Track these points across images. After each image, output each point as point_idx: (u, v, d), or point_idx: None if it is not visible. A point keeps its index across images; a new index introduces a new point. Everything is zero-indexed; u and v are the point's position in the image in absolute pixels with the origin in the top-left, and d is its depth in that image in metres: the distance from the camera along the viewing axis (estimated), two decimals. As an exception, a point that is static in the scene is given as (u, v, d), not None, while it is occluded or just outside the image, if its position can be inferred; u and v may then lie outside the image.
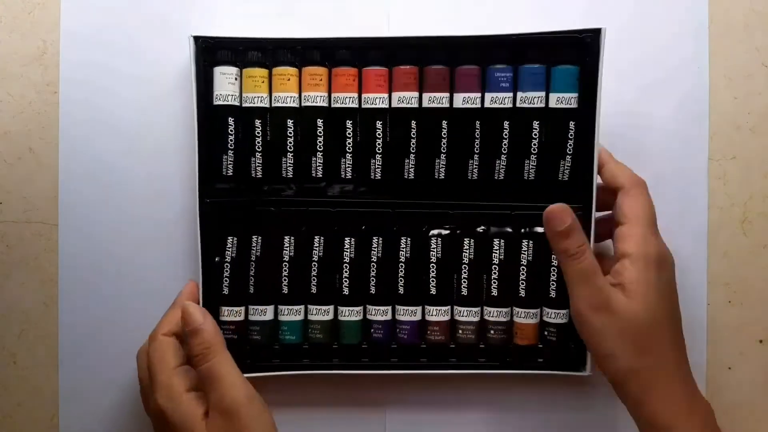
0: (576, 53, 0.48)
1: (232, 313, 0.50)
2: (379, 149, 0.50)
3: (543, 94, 0.49)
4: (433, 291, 0.51)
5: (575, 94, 0.49)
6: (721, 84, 0.56)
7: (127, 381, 0.53)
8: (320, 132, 0.50)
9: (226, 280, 0.50)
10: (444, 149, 0.50)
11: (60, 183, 0.54)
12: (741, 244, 0.56)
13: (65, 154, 0.54)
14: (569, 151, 0.49)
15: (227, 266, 0.50)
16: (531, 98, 0.49)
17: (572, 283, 0.43)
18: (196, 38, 0.49)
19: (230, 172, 0.50)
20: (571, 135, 0.49)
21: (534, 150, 0.50)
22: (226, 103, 0.50)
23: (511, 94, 0.49)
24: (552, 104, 0.49)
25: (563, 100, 0.49)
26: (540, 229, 0.49)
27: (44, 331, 0.54)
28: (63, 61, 0.54)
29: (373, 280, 0.51)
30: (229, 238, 0.50)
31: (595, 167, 0.48)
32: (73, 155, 0.54)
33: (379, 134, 0.50)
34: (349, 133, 0.50)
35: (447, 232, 0.51)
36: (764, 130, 0.56)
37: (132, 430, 0.54)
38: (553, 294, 0.50)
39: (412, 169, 0.50)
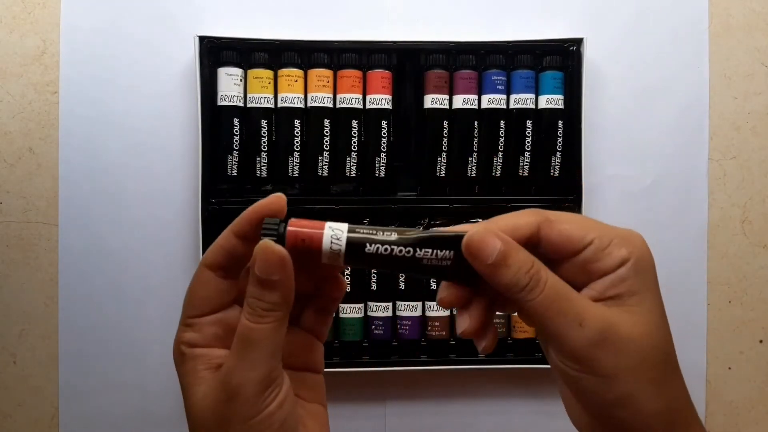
0: (561, 60, 0.55)
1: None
2: (384, 148, 0.53)
3: (533, 96, 0.54)
4: (434, 286, 0.53)
5: (561, 96, 0.54)
6: (721, 84, 0.58)
7: (127, 381, 0.55)
8: (327, 132, 0.53)
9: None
10: (445, 147, 0.54)
11: (60, 183, 0.55)
12: (741, 244, 0.58)
13: (65, 154, 0.55)
14: (559, 148, 0.54)
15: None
16: (523, 99, 0.54)
17: (546, 321, 0.29)
18: (202, 38, 0.52)
19: (234, 173, 0.52)
20: (560, 133, 0.54)
21: (528, 147, 0.54)
22: (231, 104, 0.52)
23: (505, 96, 0.54)
24: (542, 105, 0.54)
25: (552, 101, 0.54)
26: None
27: (44, 331, 0.55)
28: (63, 61, 0.56)
29: (374, 277, 0.53)
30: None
31: (583, 164, 0.54)
32: (74, 155, 0.55)
33: (384, 133, 0.53)
34: (354, 133, 0.53)
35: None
36: (764, 130, 0.59)
37: (131, 430, 0.55)
38: None
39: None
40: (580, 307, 0.28)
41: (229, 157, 0.52)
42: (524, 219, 0.30)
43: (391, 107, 0.53)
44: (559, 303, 0.28)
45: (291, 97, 0.52)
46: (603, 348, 0.28)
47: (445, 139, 0.54)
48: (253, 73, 0.52)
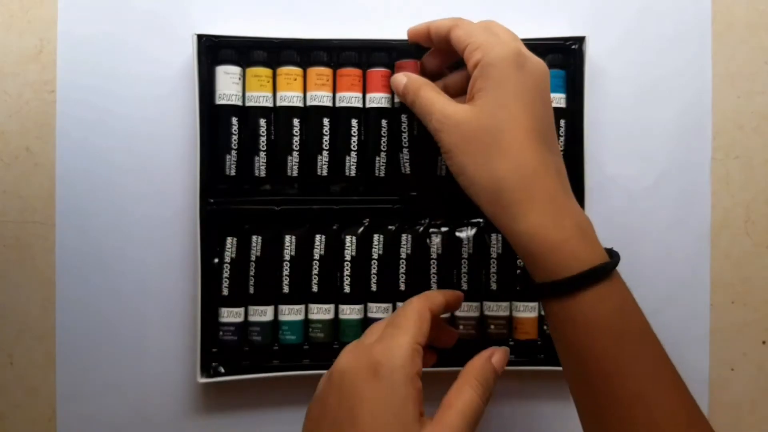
0: (563, 58, 0.55)
1: (232, 314, 0.53)
2: (384, 147, 0.53)
3: None
4: (434, 287, 0.53)
5: (563, 95, 0.54)
6: (723, 83, 0.58)
7: (125, 382, 0.56)
8: (326, 131, 0.53)
9: (225, 281, 0.53)
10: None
11: (57, 182, 0.56)
12: (744, 244, 0.59)
13: (62, 154, 0.56)
14: (561, 147, 0.54)
15: (227, 267, 0.53)
16: None
17: (420, 119, 0.46)
18: (200, 36, 0.52)
19: (233, 173, 0.52)
20: (562, 132, 0.54)
21: None
22: (229, 102, 0.52)
23: None
24: None
25: (554, 99, 0.54)
26: None
27: (41, 332, 0.56)
28: (60, 60, 0.56)
29: (374, 278, 0.53)
30: (228, 238, 0.53)
31: (585, 162, 0.54)
32: (71, 154, 0.56)
33: (384, 132, 0.53)
34: (354, 132, 0.53)
35: (447, 228, 0.54)
36: (767, 130, 0.59)
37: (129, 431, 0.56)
38: None
39: (407, 165, 0.54)
40: (434, 108, 0.44)
41: (228, 157, 0.53)
42: (443, 22, 0.47)
43: (391, 106, 0.53)
44: (425, 106, 0.45)
45: (290, 96, 0.52)
46: (441, 131, 0.43)
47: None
48: (251, 71, 0.53)
